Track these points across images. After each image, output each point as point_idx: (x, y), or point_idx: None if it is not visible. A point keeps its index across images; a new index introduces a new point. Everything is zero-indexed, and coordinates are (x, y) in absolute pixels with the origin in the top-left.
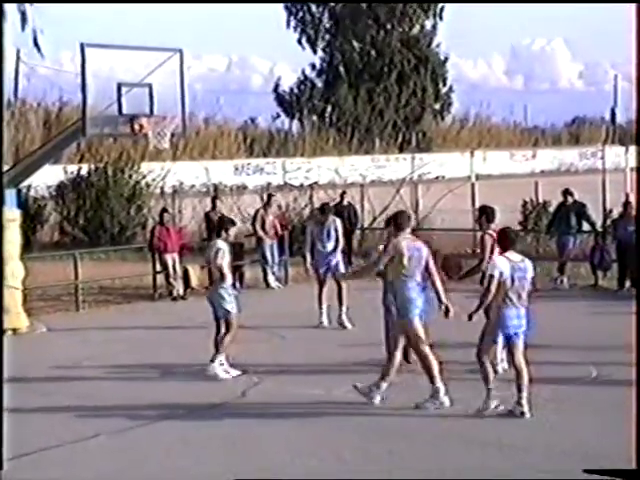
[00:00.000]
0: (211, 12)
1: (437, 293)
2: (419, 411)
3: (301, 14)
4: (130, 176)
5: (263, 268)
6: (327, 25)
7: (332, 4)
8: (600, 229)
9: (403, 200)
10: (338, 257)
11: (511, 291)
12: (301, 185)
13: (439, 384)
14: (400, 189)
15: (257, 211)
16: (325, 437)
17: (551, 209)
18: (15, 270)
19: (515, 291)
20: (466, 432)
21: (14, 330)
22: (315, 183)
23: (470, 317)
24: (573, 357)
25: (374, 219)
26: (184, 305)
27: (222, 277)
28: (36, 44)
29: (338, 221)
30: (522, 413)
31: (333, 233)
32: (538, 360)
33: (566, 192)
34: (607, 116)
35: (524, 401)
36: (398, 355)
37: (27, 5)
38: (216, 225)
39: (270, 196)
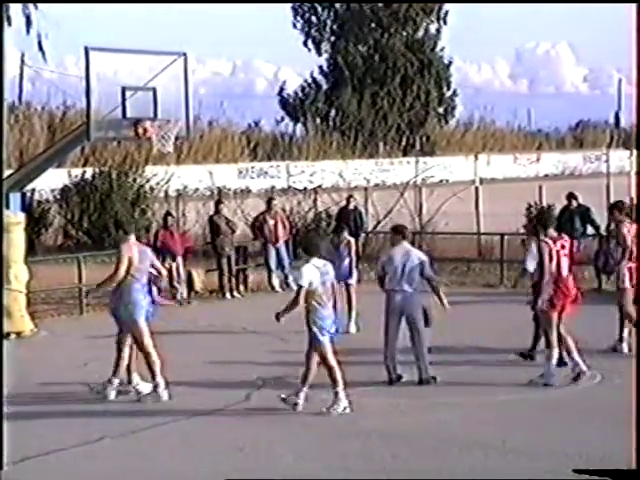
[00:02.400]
0: (216, 16)
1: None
2: (421, 416)
3: (307, 15)
4: (134, 180)
5: (269, 271)
6: (331, 28)
7: (336, 6)
8: (604, 233)
9: (407, 204)
10: (352, 267)
11: (324, 294)
12: (305, 189)
13: (159, 380)
14: (404, 193)
15: (257, 216)
16: (328, 440)
17: (555, 213)
18: (19, 273)
19: (326, 293)
20: (468, 436)
21: (18, 333)
22: (319, 186)
23: (277, 317)
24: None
25: (378, 223)
26: (188, 309)
27: None
28: (40, 48)
29: (352, 241)
30: (344, 408)
31: (346, 254)
32: (542, 363)
33: (570, 196)
34: (611, 120)
35: (341, 395)
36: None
37: (32, 8)
38: None
39: (270, 200)
